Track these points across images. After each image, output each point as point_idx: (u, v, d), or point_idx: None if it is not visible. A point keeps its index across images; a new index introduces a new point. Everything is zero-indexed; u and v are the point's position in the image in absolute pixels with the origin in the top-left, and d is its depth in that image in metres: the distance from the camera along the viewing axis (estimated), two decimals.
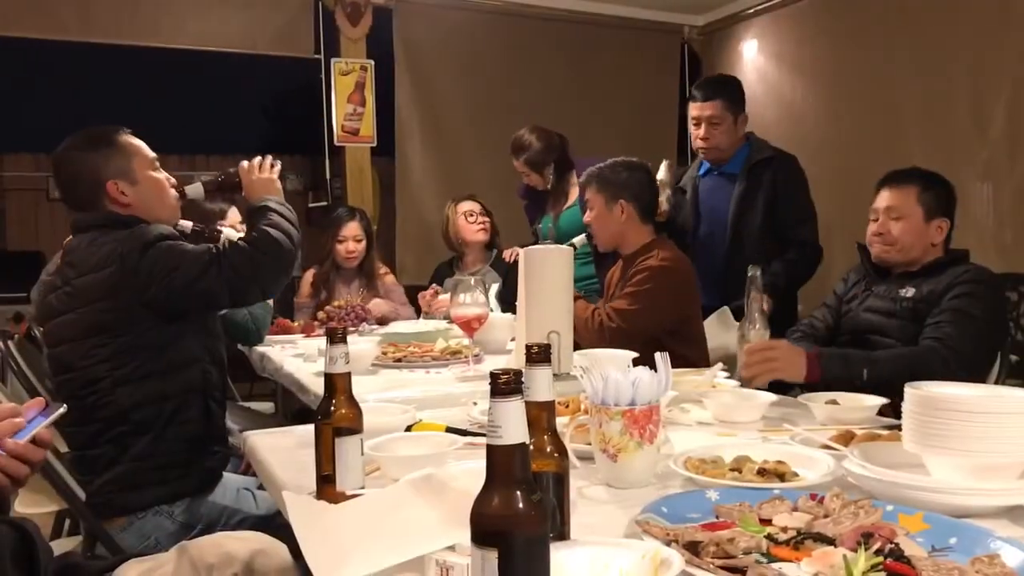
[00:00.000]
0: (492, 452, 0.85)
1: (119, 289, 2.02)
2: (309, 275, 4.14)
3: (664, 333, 2.78)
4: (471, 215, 4.10)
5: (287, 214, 2.26)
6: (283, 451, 1.73)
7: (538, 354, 1.07)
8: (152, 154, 2.24)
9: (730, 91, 3.42)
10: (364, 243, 4.08)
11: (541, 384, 1.07)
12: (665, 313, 2.81)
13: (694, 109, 3.40)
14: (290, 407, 4.03)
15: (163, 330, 2.07)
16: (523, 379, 0.88)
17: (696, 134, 3.40)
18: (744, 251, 3.24)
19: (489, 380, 0.86)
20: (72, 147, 2.18)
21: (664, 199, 3.26)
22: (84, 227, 2.16)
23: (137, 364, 2.05)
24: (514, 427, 0.85)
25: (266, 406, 4.20)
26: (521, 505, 0.84)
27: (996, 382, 2.41)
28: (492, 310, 2.87)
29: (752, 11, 5.95)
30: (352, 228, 4.04)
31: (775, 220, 3.28)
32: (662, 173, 3.31)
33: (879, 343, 2.38)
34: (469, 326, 2.51)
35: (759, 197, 3.30)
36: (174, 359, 2.09)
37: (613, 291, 3.04)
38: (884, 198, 2.48)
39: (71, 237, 2.21)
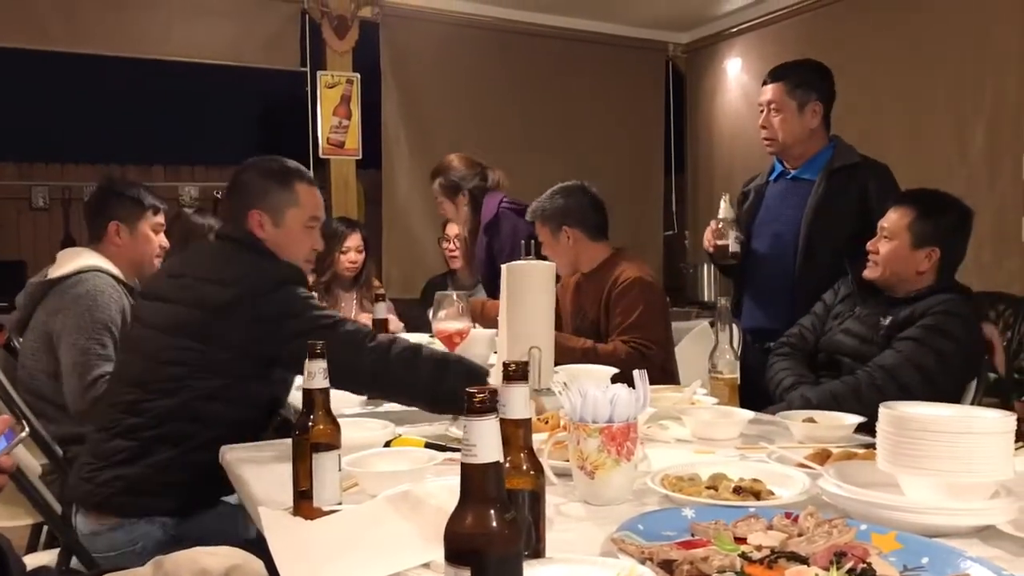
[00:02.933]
0: (466, 470, 0.86)
1: (230, 311, 1.98)
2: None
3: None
4: (446, 240, 4.11)
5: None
6: (261, 465, 1.72)
7: (515, 372, 1.07)
8: (318, 212, 2.26)
9: (796, 73, 2.93)
10: (363, 255, 4.12)
11: (517, 402, 1.08)
12: (667, 323, 2.90)
13: (760, 95, 3.01)
14: (273, 419, 4.00)
15: (248, 365, 2.02)
16: (499, 397, 0.89)
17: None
18: (817, 267, 2.77)
19: (465, 398, 0.86)
20: (260, 164, 2.23)
21: (732, 240, 2.88)
22: (223, 237, 2.20)
23: (208, 381, 2.00)
24: (489, 446, 0.86)
25: None
26: (495, 524, 0.84)
27: (973, 401, 2.43)
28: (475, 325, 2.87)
29: (735, 29, 6.00)
30: (355, 239, 4.10)
31: (857, 237, 2.67)
32: (723, 212, 2.90)
33: (851, 367, 2.39)
34: (451, 340, 2.51)
35: (842, 207, 2.79)
36: (243, 396, 2.05)
37: (579, 312, 3.03)
38: (886, 217, 2.47)
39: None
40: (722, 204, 2.94)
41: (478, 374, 2.08)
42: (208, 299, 2.00)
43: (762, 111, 2.96)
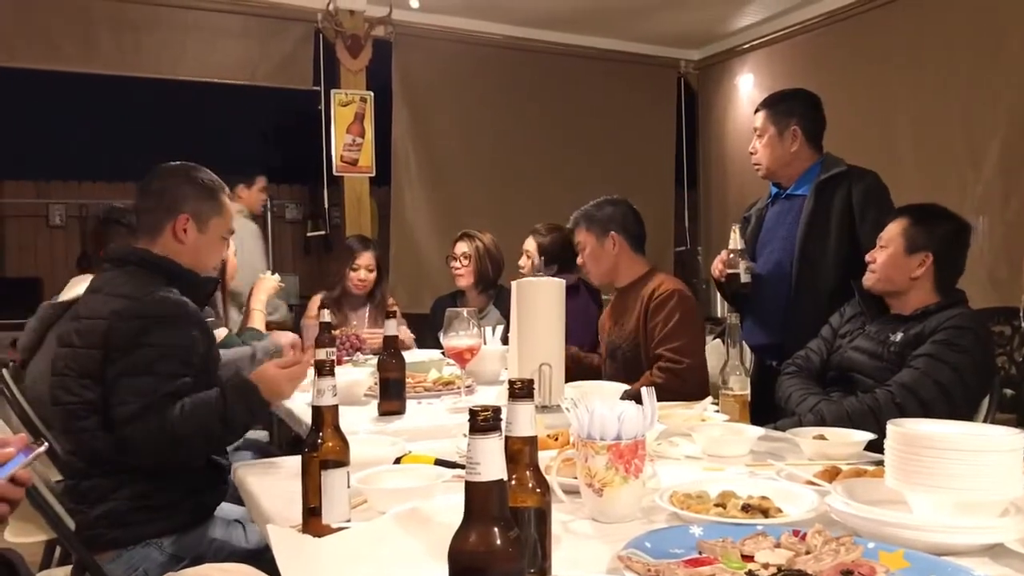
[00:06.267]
0: (470, 489, 0.86)
1: (104, 344, 1.98)
2: (316, 299, 4.18)
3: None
4: (454, 258, 4.13)
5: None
6: (271, 482, 1.73)
7: (521, 390, 1.08)
8: (232, 226, 2.29)
9: (780, 101, 3.04)
10: (375, 273, 4.12)
11: (523, 419, 1.08)
12: (703, 334, 2.93)
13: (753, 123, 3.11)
14: (285, 436, 4.02)
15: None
16: (505, 415, 0.89)
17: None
18: (815, 281, 2.83)
19: (468, 417, 0.87)
20: (179, 170, 2.21)
21: (743, 270, 2.92)
22: (113, 259, 2.14)
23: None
24: (492, 464, 0.86)
25: (261, 434, 4.20)
26: (498, 542, 0.85)
27: (987, 417, 2.41)
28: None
29: (747, 45, 6.03)
30: (366, 258, 4.09)
31: (851, 245, 2.78)
32: (734, 242, 2.93)
33: (862, 383, 2.39)
34: (461, 357, 2.52)
35: (831, 218, 2.84)
36: None
37: (616, 324, 3.04)
38: (885, 229, 2.51)
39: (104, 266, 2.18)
40: (733, 234, 2.97)
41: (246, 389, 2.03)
42: (92, 335, 1.99)
43: (753, 137, 3.07)
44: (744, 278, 2.93)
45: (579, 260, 3.15)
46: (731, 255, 2.94)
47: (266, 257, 4.89)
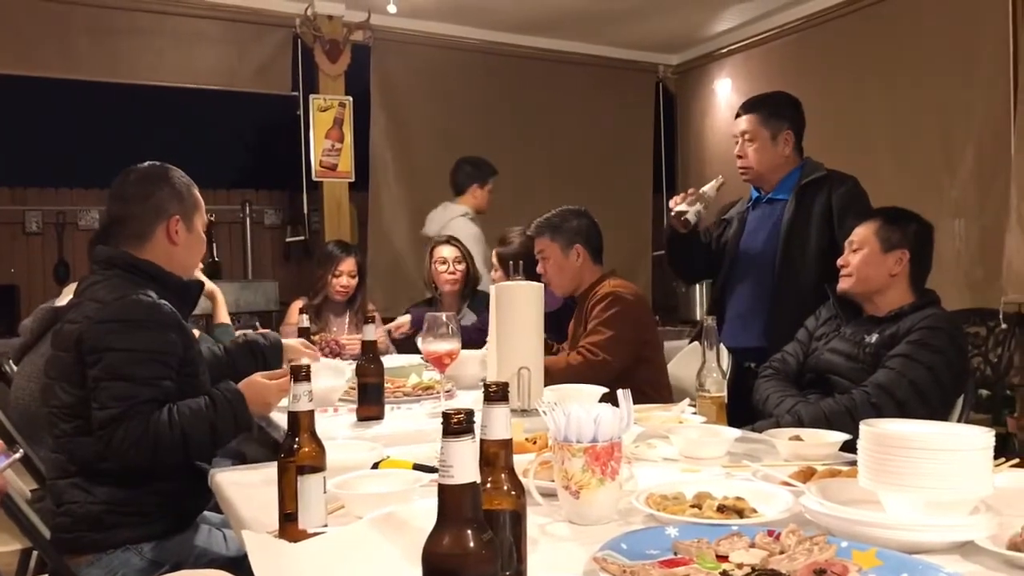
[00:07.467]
0: (443, 491, 0.87)
1: (76, 349, 1.97)
2: (296, 305, 4.17)
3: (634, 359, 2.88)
4: (444, 263, 4.11)
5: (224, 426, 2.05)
6: (248, 488, 1.73)
7: (496, 393, 1.08)
8: (206, 217, 2.29)
9: (768, 105, 3.06)
10: (357, 279, 4.12)
11: (499, 422, 1.08)
12: (636, 334, 2.91)
13: (734, 127, 3.13)
14: (265, 441, 3.99)
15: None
16: (479, 418, 0.90)
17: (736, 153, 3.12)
18: (795, 284, 2.87)
19: (441, 420, 0.87)
20: (155, 173, 2.19)
21: (693, 212, 2.94)
22: (100, 261, 2.11)
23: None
24: (465, 467, 0.87)
25: None
26: (472, 544, 0.85)
27: (961, 417, 2.44)
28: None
29: (725, 50, 6.07)
30: (348, 264, 4.10)
31: (831, 249, 2.76)
32: (707, 188, 2.97)
33: (839, 385, 2.41)
34: (440, 361, 2.51)
35: (811, 222, 2.90)
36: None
37: (576, 331, 3.08)
38: (853, 233, 2.54)
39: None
40: (711, 182, 2.99)
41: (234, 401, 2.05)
42: (69, 339, 1.98)
43: (737, 141, 3.08)
44: (690, 215, 2.95)
45: (539, 268, 3.14)
46: (693, 193, 2.97)
47: (484, 259, 4.77)
